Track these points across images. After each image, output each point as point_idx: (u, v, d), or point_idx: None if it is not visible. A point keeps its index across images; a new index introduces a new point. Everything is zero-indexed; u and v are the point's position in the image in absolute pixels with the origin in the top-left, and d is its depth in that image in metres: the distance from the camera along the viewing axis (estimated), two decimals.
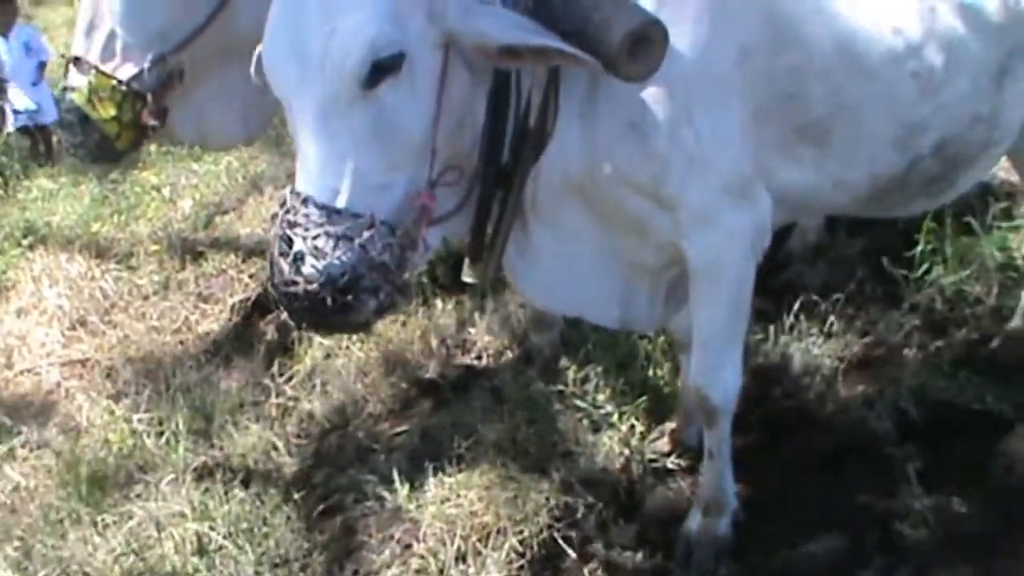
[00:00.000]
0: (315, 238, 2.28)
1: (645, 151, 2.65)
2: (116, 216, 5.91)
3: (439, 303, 4.36)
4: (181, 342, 4.76)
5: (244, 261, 5.25)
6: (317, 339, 4.39)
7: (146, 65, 3.52)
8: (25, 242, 5.81)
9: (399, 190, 2.39)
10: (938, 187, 3.16)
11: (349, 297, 2.29)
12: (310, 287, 2.27)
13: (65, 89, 3.62)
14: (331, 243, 2.27)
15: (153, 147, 5.08)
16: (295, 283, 2.28)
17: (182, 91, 3.68)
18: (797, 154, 2.87)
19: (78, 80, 3.57)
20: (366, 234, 2.29)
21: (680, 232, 2.80)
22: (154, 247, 5.44)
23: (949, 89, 2.94)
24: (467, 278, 2.89)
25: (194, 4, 3.56)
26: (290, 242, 2.30)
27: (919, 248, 4.24)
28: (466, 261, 2.85)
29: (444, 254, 4.36)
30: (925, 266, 4.24)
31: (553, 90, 2.58)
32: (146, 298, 5.11)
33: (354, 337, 4.32)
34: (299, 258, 2.29)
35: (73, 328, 5.06)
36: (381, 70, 2.28)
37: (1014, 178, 4.26)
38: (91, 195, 6.19)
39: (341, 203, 2.31)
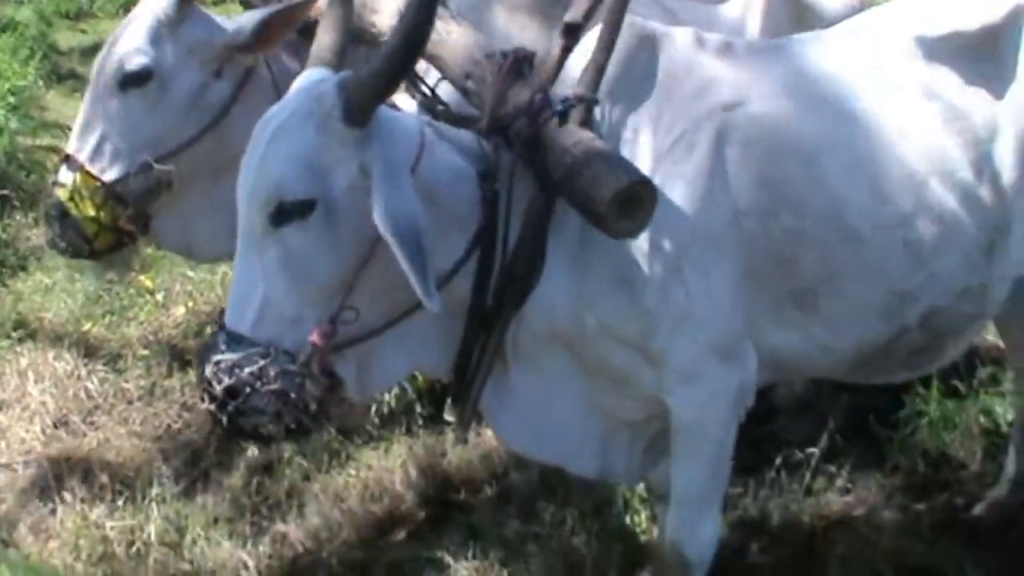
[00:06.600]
0: (216, 363, 2.44)
1: (634, 306, 2.67)
2: (108, 316, 5.88)
3: (421, 433, 4.34)
4: (162, 451, 4.70)
5: None
6: (297, 459, 4.35)
7: (132, 170, 3.58)
8: (15, 335, 5.75)
9: (310, 323, 2.47)
10: (922, 358, 3.17)
11: (242, 420, 2.46)
12: (211, 407, 2.48)
13: (53, 183, 3.68)
14: (224, 369, 2.44)
15: (150, 249, 5.06)
16: (203, 401, 2.51)
17: (169, 200, 3.71)
18: (786, 318, 2.88)
19: (65, 176, 3.64)
20: (260, 362, 2.42)
21: (665, 388, 2.80)
22: (143, 351, 5.39)
23: (940, 260, 2.97)
24: (448, 416, 2.90)
25: (188, 115, 3.62)
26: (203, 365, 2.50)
27: (904, 409, 4.24)
28: (448, 400, 2.86)
29: (422, 385, 4.36)
30: (910, 427, 4.23)
31: (542, 237, 2.61)
32: (130, 402, 5.03)
33: (333, 460, 4.31)
34: (205, 381, 2.48)
35: (55, 427, 4.97)
36: (286, 212, 2.40)
37: (1001, 343, 4.28)
38: (85, 293, 6.16)
39: (244, 330, 2.44)
